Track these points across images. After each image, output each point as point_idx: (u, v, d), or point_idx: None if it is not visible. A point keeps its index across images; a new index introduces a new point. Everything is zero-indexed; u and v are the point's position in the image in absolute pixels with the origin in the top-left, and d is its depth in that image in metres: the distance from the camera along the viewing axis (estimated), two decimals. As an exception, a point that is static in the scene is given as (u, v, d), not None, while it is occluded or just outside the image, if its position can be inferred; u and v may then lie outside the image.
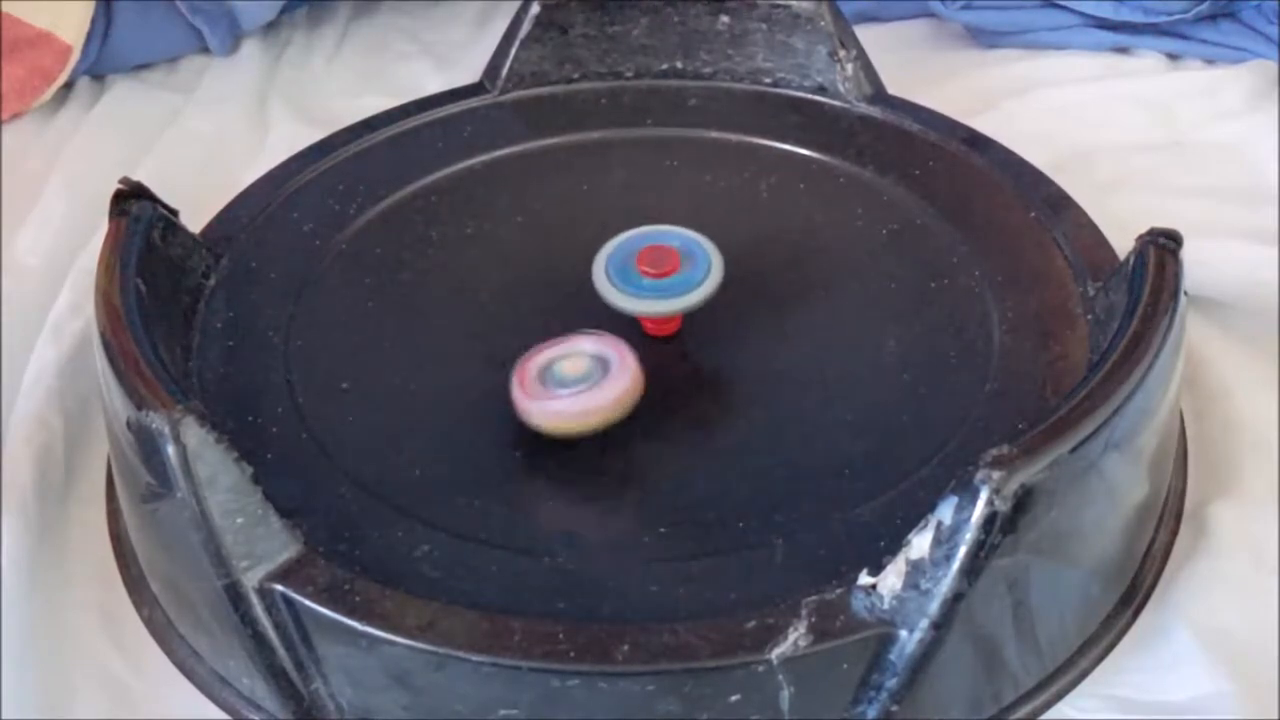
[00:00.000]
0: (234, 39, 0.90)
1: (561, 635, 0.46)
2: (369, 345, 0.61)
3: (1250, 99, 0.82)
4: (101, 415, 0.59)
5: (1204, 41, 0.85)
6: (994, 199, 0.66)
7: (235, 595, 0.48)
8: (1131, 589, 0.54)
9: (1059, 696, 0.51)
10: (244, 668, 0.50)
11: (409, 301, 0.63)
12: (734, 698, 0.46)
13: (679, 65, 0.75)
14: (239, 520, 0.48)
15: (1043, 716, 0.51)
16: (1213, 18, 0.85)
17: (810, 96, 0.73)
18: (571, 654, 0.45)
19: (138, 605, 0.56)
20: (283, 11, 0.91)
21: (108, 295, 0.56)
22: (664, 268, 0.58)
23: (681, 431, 0.57)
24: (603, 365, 0.55)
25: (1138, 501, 0.53)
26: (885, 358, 0.59)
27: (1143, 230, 0.56)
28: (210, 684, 0.52)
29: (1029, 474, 0.46)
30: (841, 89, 0.72)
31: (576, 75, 0.75)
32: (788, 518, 0.52)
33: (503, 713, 0.46)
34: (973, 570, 0.45)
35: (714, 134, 0.72)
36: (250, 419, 0.56)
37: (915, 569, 0.46)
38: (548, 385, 0.55)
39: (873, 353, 0.59)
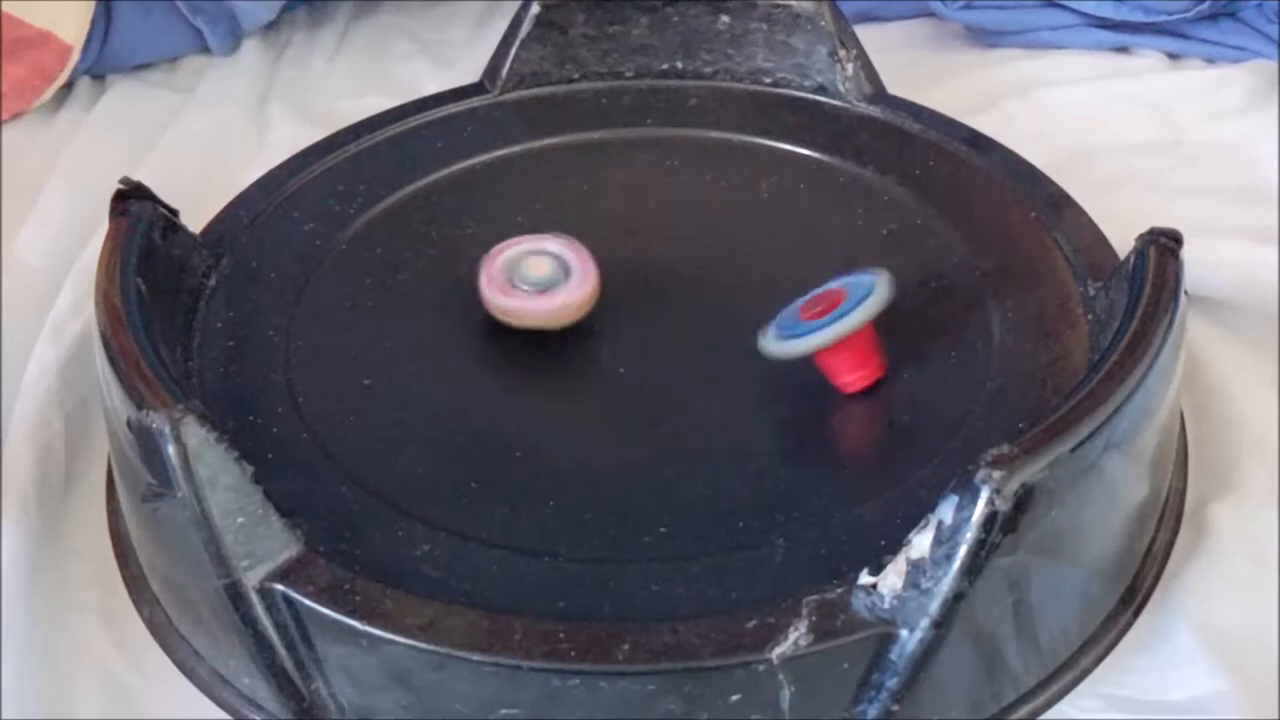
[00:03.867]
0: (234, 39, 0.90)
1: (562, 635, 0.46)
2: (369, 345, 0.61)
3: (1250, 98, 0.82)
4: (102, 415, 0.59)
5: (1204, 41, 0.85)
6: (994, 199, 0.66)
7: (236, 595, 0.48)
8: (1132, 589, 0.54)
9: (1059, 696, 0.51)
10: (244, 667, 0.50)
11: (409, 301, 0.63)
12: (735, 697, 0.46)
13: (679, 65, 0.75)
14: (239, 520, 0.48)
15: (1043, 716, 0.51)
16: (1213, 17, 0.85)
17: (810, 96, 0.73)
18: (572, 653, 0.45)
19: (138, 605, 0.56)
20: (283, 11, 0.91)
21: (108, 295, 0.56)
22: (825, 307, 0.55)
23: (681, 431, 0.57)
24: (565, 269, 0.60)
25: (1138, 501, 0.53)
26: (885, 357, 0.59)
27: (1143, 230, 0.56)
28: (211, 684, 0.52)
29: (1029, 473, 0.46)
30: (842, 89, 0.72)
31: (576, 75, 0.75)
32: (788, 517, 0.52)
33: (503, 712, 0.46)
34: (973, 570, 0.45)
35: (714, 134, 0.72)
36: (250, 419, 0.56)
37: (916, 568, 0.46)
38: (514, 283, 0.59)
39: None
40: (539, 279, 0.60)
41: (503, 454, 0.56)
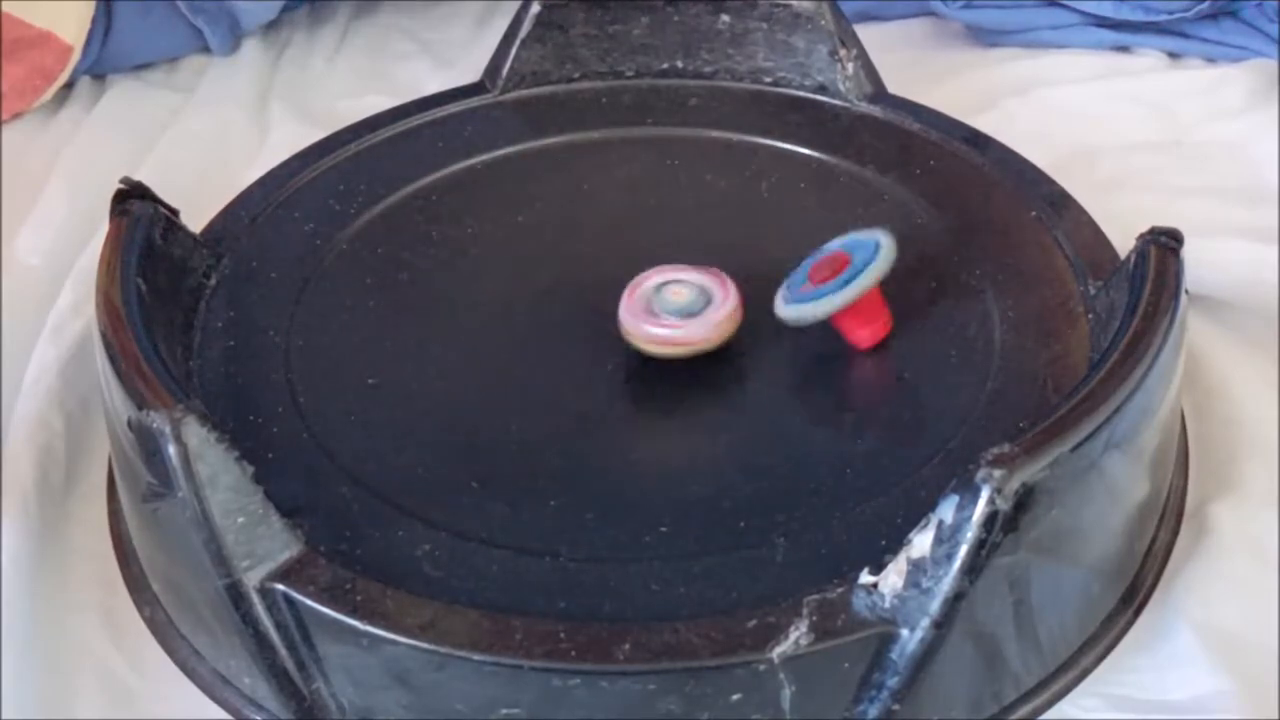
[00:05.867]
0: (234, 39, 0.90)
1: (563, 634, 0.46)
2: (369, 345, 0.61)
3: (1251, 98, 0.82)
4: (102, 415, 0.59)
5: (1205, 40, 0.85)
6: (994, 198, 0.66)
7: (236, 595, 0.48)
8: (1132, 588, 0.54)
9: (1060, 695, 0.51)
10: (245, 667, 0.50)
11: (409, 301, 0.63)
12: (735, 697, 0.46)
13: (679, 65, 0.75)
14: (240, 520, 0.48)
15: (1044, 715, 0.51)
16: (1213, 16, 0.85)
17: (811, 96, 0.73)
18: (573, 653, 0.45)
19: (139, 605, 0.56)
20: (283, 11, 0.91)
21: (108, 295, 0.56)
22: (832, 270, 0.58)
23: (682, 431, 0.57)
24: (705, 296, 0.58)
25: (1139, 500, 0.53)
26: (885, 358, 0.59)
27: (1143, 229, 0.56)
28: (211, 684, 0.52)
29: (1030, 473, 0.46)
30: (842, 88, 0.72)
31: (576, 75, 0.75)
32: (788, 517, 0.52)
33: (504, 712, 0.46)
34: (974, 569, 0.45)
35: (714, 134, 0.71)
36: (251, 419, 0.56)
37: (916, 568, 0.46)
38: (655, 311, 0.58)
39: (873, 352, 0.59)
40: (682, 305, 0.58)
41: (503, 454, 0.56)
